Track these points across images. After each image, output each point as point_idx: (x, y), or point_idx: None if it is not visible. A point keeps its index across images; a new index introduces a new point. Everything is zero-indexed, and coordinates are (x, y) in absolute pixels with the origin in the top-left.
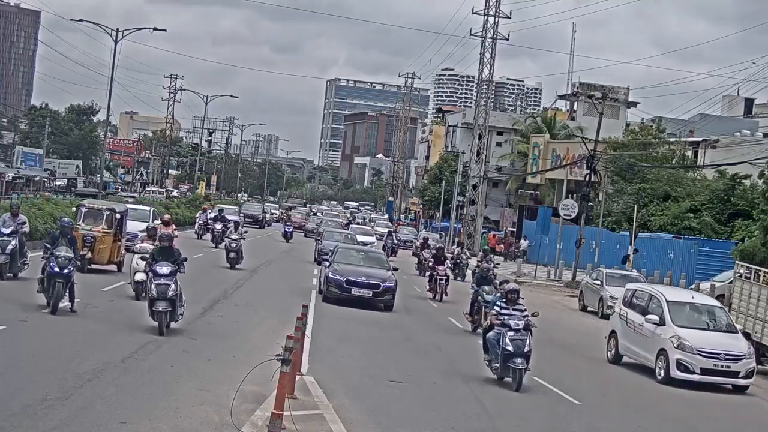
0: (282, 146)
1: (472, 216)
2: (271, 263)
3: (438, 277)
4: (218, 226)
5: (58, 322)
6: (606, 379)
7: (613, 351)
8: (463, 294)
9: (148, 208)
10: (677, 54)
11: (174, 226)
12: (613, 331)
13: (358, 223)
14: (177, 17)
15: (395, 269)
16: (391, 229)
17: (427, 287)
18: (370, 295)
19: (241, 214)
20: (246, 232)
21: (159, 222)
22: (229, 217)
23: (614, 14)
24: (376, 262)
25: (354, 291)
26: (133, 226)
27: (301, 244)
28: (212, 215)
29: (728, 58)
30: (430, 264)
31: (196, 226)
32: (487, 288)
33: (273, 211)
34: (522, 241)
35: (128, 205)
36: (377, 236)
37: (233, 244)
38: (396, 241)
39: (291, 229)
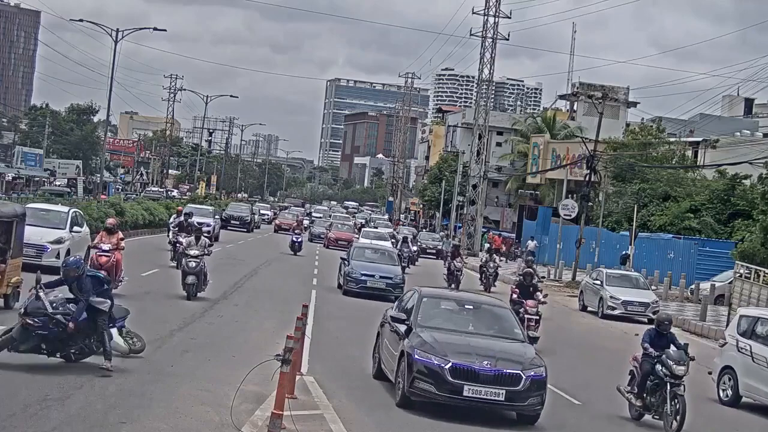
0: (282, 146)
1: (472, 216)
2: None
3: (527, 316)
4: (183, 239)
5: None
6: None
7: (730, 390)
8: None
9: (65, 210)
10: (677, 54)
11: (120, 234)
12: (727, 367)
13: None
14: (177, 17)
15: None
16: (408, 235)
17: None
18: (503, 399)
19: (217, 217)
20: (212, 245)
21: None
22: (200, 220)
23: (614, 14)
24: (498, 325)
25: (470, 390)
26: (38, 236)
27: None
28: (176, 221)
29: (728, 58)
30: (515, 297)
31: (170, 234)
32: (673, 353)
33: (263, 212)
34: (529, 241)
35: (31, 206)
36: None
37: (191, 264)
38: (415, 249)
39: (300, 239)
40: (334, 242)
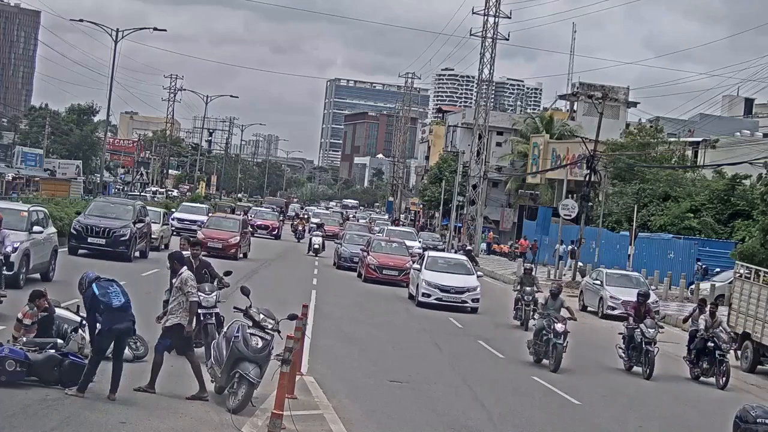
0: (282, 146)
1: (472, 216)
2: None
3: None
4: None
5: None
6: None
7: None
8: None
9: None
10: (676, 54)
11: None
12: None
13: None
14: (177, 17)
15: None
16: (528, 266)
17: None
18: None
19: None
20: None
21: None
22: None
23: (612, 15)
24: None
25: None
26: None
27: None
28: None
29: (726, 59)
30: None
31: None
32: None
33: (190, 218)
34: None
35: None
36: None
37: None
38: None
39: None
40: (375, 272)
